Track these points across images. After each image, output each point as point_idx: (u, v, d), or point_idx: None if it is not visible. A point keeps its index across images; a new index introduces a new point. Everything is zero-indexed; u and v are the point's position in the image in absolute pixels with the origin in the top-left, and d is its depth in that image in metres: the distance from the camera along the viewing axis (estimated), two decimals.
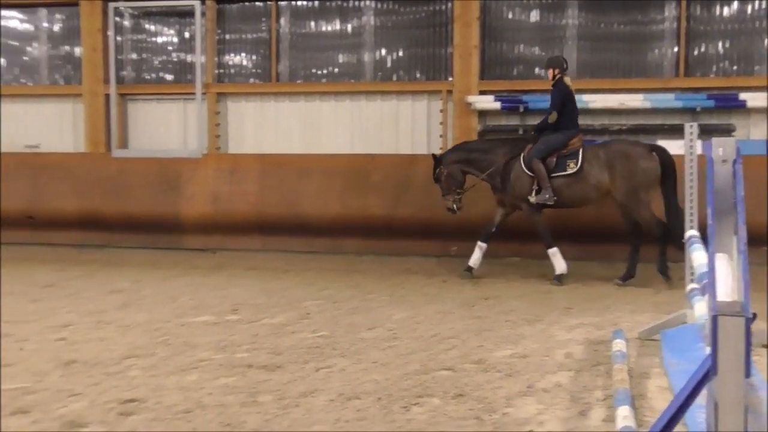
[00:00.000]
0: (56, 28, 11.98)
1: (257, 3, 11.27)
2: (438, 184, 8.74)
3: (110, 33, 11.40)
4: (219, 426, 3.75)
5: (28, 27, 12.12)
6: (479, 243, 8.41)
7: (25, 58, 12.14)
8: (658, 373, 4.63)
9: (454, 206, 8.57)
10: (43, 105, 11.95)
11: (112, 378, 4.58)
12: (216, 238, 10.48)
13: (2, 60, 12.16)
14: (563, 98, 8.12)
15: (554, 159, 8.08)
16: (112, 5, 11.28)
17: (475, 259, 8.40)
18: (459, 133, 10.36)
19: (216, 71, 11.38)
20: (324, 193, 10.25)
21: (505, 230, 8.53)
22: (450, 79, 10.62)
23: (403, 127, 10.74)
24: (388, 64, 11.00)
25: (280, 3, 11.19)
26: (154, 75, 11.76)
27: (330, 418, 3.85)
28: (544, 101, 9.22)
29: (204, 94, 11.14)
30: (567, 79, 8.26)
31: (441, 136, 10.48)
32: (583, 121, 9.33)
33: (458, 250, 9.26)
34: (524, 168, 8.17)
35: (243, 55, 11.43)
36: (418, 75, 10.88)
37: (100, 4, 11.33)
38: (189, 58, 11.49)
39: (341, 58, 11.13)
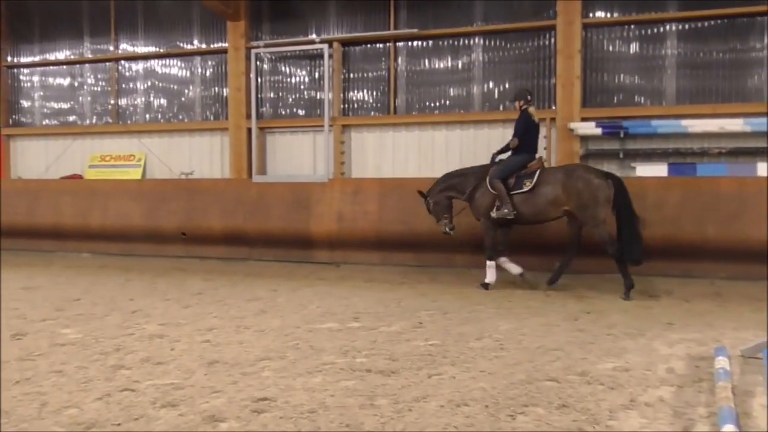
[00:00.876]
0: (208, 72, 12.49)
1: (378, 45, 11.35)
2: (431, 214, 8.89)
3: (252, 75, 11.78)
4: (339, 426, 3.67)
5: (185, 72, 12.69)
6: (499, 259, 8.47)
7: (182, 98, 12.71)
8: (762, 392, 4.21)
9: (447, 228, 8.74)
10: (196, 138, 12.46)
11: (248, 378, 4.60)
12: (340, 253, 10.55)
13: (164, 101, 12.80)
14: (526, 126, 8.24)
15: (513, 179, 8.20)
16: (254, 51, 11.66)
17: (513, 269, 8.42)
18: (562, 157, 10.04)
19: (341, 106, 11.52)
20: None
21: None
22: (553, 107, 10.31)
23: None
24: (495, 95, 10.82)
25: (398, 44, 11.24)
26: (288, 110, 12.03)
27: (440, 423, 3.71)
28: (644, 126, 8.78)
29: (331, 126, 11.29)
30: (531, 110, 8.34)
31: (545, 160, 10.17)
32: (682, 144, 8.81)
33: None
34: (488, 187, 8.29)
35: (365, 90, 11.52)
36: None
37: (243, 51, 11.74)
38: (318, 95, 11.70)
39: (452, 91, 11.03)
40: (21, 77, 14.12)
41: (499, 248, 8.51)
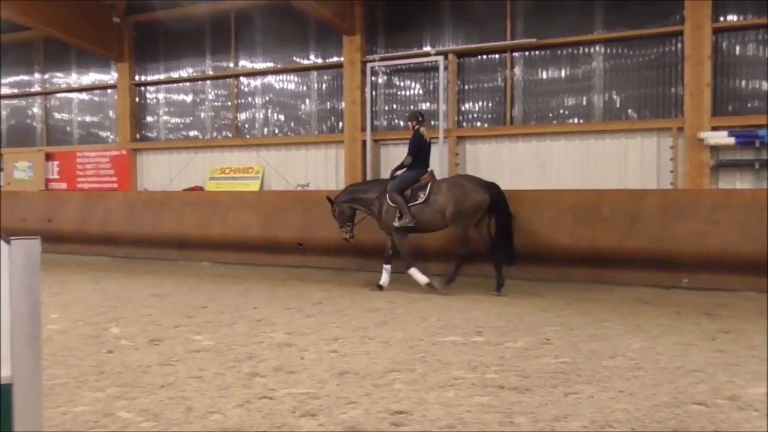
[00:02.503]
0: (323, 86, 12.80)
1: (493, 55, 11.27)
2: (335, 219, 9.93)
3: (367, 89, 11.98)
4: None
5: (301, 87, 13.06)
6: (384, 266, 9.36)
7: (299, 112, 13.08)
8: None
9: (347, 236, 9.81)
10: (312, 151, 12.79)
11: (380, 390, 4.62)
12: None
13: (281, 115, 13.22)
14: (418, 145, 9.19)
15: (410, 191, 9.10)
16: (369, 65, 11.85)
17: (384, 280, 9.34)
18: (690, 168, 9.61)
19: (456, 117, 11.51)
20: (554, 226, 9.91)
21: (742, 262, 7.69)
22: (680, 116, 9.88)
23: (632, 163, 10.16)
24: (617, 104, 10.51)
25: (514, 54, 11.11)
26: (402, 123, 12.13)
27: None
28: None
29: (445, 137, 11.29)
30: (422, 130, 9.23)
31: (671, 171, 9.77)
32: None
33: (689, 282, 8.51)
34: (389, 201, 9.20)
35: (480, 101, 11.47)
36: (646, 113, 10.25)
37: (359, 65, 11.95)
38: (432, 106, 11.73)
39: (571, 101, 10.80)
40: (147, 95, 14.96)
41: (389, 253, 9.39)
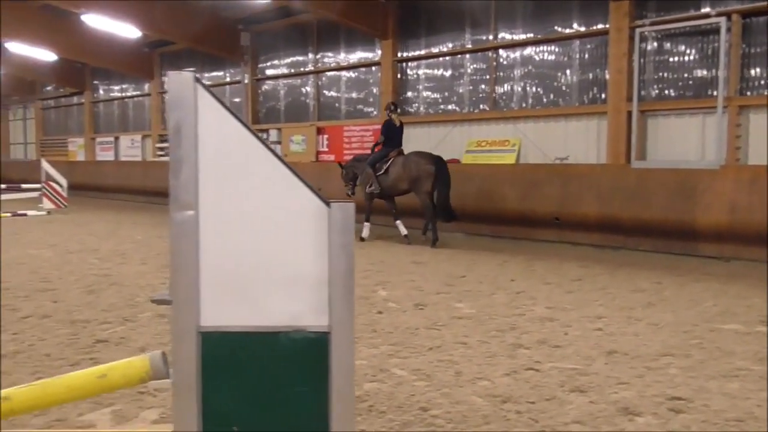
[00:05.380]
0: (586, 56, 12.33)
1: None
2: (342, 179, 12.41)
3: (634, 56, 11.30)
4: None
5: (562, 57, 12.71)
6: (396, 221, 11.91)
7: (558, 83, 12.76)
8: None
9: (348, 192, 12.24)
10: (571, 123, 12.41)
11: (653, 373, 4.40)
12: (730, 247, 9.59)
13: (540, 86, 13.00)
14: (388, 129, 11.58)
15: (380, 165, 11.47)
16: (638, 30, 11.16)
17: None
18: None
19: (738, 85, 10.42)
20: None
21: None
22: None
23: None
24: None
25: None
26: (673, 92, 11.28)
27: None
28: None
29: (725, 107, 10.29)
30: (393, 116, 11.58)
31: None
32: None
33: None
34: (367, 170, 11.63)
35: None
36: None
37: (626, 31, 11.31)
38: (709, 73, 10.75)
39: None
40: (408, 71, 15.58)
41: (393, 211, 11.86)
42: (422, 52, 15.16)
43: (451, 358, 4.76)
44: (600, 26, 12.00)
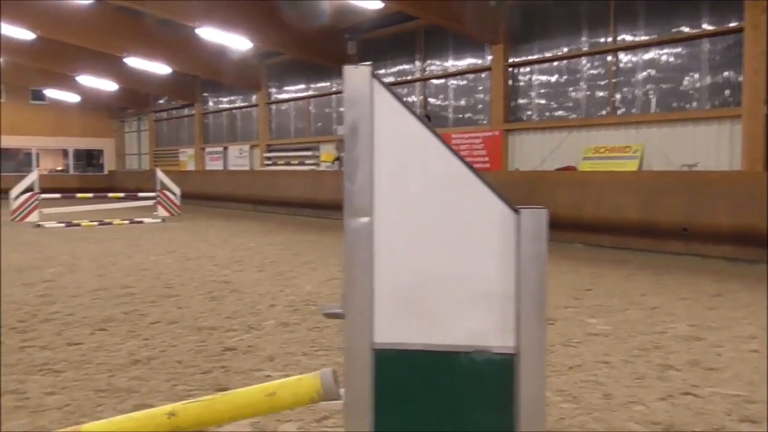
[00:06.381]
0: (716, 56, 11.62)
1: None
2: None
3: None
4: None
5: (688, 58, 12.03)
6: None
7: (684, 86, 12.09)
8: None
9: None
10: (700, 127, 11.71)
11: None
12: None
13: (664, 89, 12.35)
14: None
15: None
16: None
17: None
18: None
19: None
20: None
21: None
22: None
23: None
24: None
25: None
26: None
27: None
28: None
29: None
30: None
31: None
32: None
33: None
34: None
35: None
36: None
37: (764, 28, 10.55)
38: None
39: None
40: (519, 76, 15.21)
41: None
42: (535, 57, 14.75)
43: (595, 378, 4.45)
44: (733, 24, 11.26)
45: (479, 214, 1.95)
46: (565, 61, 14.22)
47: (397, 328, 1.97)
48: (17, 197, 16.24)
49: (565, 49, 14.14)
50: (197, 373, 4.54)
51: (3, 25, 19.03)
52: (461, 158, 1.97)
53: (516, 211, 1.94)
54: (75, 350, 5.12)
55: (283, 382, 2.01)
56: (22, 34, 20.06)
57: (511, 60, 15.20)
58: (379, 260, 1.96)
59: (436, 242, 1.96)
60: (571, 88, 14.12)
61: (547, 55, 14.49)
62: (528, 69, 15.01)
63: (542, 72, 14.73)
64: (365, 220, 1.94)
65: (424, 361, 1.97)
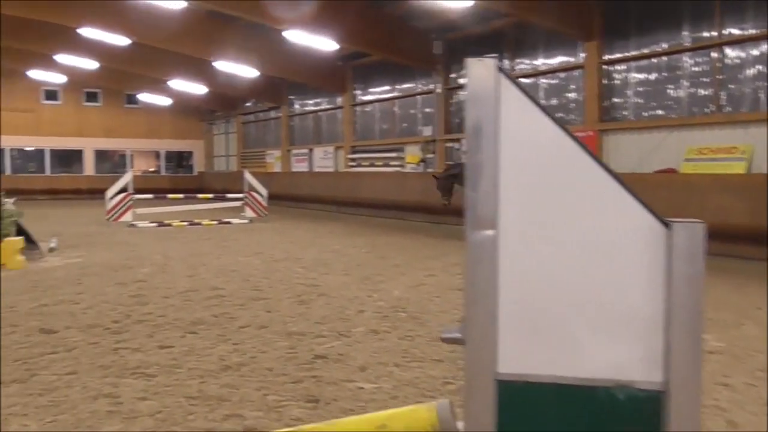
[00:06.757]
0: None
1: None
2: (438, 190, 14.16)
3: None
4: None
5: None
6: None
7: None
8: None
9: (445, 201, 14.10)
10: None
11: None
12: None
13: None
14: None
15: None
16: None
17: None
18: None
19: None
20: None
21: None
22: None
23: None
24: None
25: None
26: None
27: None
28: None
29: None
30: None
31: None
32: None
33: None
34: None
35: None
36: None
37: None
38: None
39: None
40: (614, 74, 14.59)
41: None
42: (632, 53, 14.11)
43: (716, 403, 4.07)
44: None
45: (623, 228, 1.70)
46: (664, 58, 13.52)
47: (525, 356, 1.74)
48: (112, 197, 16.80)
49: (665, 45, 13.45)
50: (288, 382, 4.42)
51: (100, 32, 19.77)
52: (602, 163, 1.72)
53: (667, 224, 1.67)
54: (166, 354, 5.11)
55: (395, 413, 1.81)
56: (118, 40, 20.78)
57: (605, 57, 14.60)
58: (505, 279, 1.73)
59: (571, 259, 1.72)
60: (670, 86, 13.42)
61: (645, 51, 13.83)
62: (624, 66, 14.37)
63: (639, 69, 14.07)
64: (490, 233, 1.72)
65: (555, 396, 1.73)
